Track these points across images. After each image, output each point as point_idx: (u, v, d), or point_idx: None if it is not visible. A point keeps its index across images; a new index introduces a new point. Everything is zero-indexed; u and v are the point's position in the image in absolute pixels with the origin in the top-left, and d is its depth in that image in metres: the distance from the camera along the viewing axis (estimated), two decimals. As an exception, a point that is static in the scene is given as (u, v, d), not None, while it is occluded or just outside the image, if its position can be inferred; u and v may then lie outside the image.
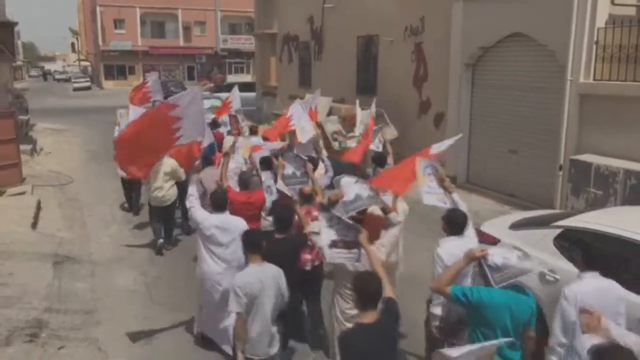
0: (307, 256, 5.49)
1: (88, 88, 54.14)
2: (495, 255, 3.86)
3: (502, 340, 3.47)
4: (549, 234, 5.77)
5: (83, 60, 77.98)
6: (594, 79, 9.46)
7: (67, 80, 68.38)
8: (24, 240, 8.94)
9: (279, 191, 5.83)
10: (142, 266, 8.36)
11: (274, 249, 4.72)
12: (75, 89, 53.05)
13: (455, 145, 12.57)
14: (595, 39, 9.33)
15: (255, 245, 4.46)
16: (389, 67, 15.41)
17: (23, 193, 11.82)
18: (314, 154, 6.79)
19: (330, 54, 19.14)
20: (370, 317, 3.39)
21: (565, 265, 5.45)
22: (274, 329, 4.46)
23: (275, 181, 6.02)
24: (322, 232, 4.52)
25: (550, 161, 10.26)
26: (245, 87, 30.29)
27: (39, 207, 10.91)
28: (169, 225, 8.94)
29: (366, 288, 3.46)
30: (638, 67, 8.88)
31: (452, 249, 4.38)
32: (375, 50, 16.15)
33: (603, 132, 9.25)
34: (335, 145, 12.54)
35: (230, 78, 46.80)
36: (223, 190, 5.94)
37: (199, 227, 5.60)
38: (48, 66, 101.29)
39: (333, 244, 4.48)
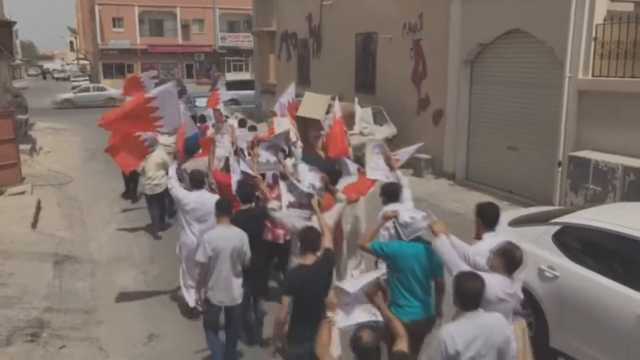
0: (279, 231, 6.20)
1: (87, 89, 54.00)
2: (404, 215, 4.67)
3: (383, 271, 4.52)
4: (547, 231, 5.79)
5: (82, 59, 77.83)
6: (593, 75, 9.47)
7: (66, 79, 68.28)
8: (23, 240, 8.94)
9: (243, 172, 6.52)
10: (143, 265, 8.37)
11: (239, 217, 5.56)
12: (73, 88, 52.95)
13: (454, 143, 12.68)
14: (593, 35, 9.34)
15: (223, 210, 5.35)
16: (388, 64, 15.41)
17: (23, 193, 11.83)
18: (285, 146, 7.35)
19: (328, 52, 19.13)
20: (309, 260, 4.20)
21: (564, 262, 5.47)
22: (236, 281, 5.26)
23: (238, 164, 6.74)
24: (283, 195, 5.69)
25: (549, 157, 10.27)
26: (244, 84, 30.36)
27: (38, 207, 10.91)
28: (162, 210, 9.71)
29: (306, 237, 4.37)
30: (636, 63, 8.89)
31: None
32: (374, 48, 16.14)
33: (602, 128, 9.27)
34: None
35: (229, 76, 46.82)
36: (199, 171, 6.75)
37: (179, 204, 6.46)
38: (47, 65, 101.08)
39: (290, 205, 5.61)
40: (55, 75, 78.68)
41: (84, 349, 5.96)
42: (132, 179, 11.40)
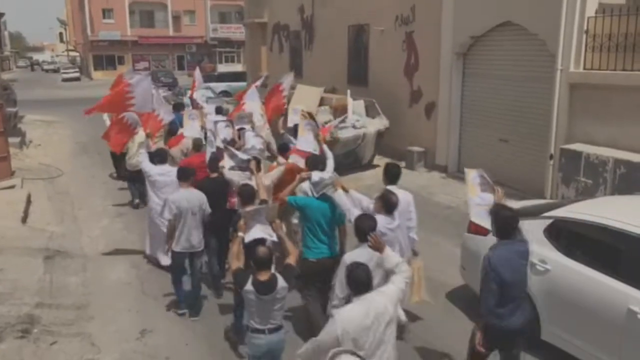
0: (234, 200, 6.86)
1: (77, 79, 53.72)
2: (315, 176, 5.86)
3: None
4: (539, 225, 5.81)
5: (72, 50, 77.19)
6: (584, 68, 9.48)
7: (56, 70, 67.77)
8: (14, 234, 8.88)
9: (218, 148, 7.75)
10: (134, 260, 8.33)
11: (207, 183, 6.86)
12: (64, 80, 52.62)
13: (446, 135, 12.69)
14: (585, 28, 9.33)
15: (184, 176, 6.55)
16: (380, 56, 15.37)
17: (12, 187, 11.73)
18: (247, 126, 9.15)
19: (321, 44, 19.05)
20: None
21: (555, 256, 5.50)
22: (196, 233, 6.39)
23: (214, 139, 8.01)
24: (225, 161, 7.09)
25: (541, 150, 10.30)
26: (235, 76, 30.24)
27: (28, 201, 10.83)
28: (142, 186, 9.62)
29: (243, 191, 5.78)
30: (628, 56, 8.89)
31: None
32: (366, 40, 16.09)
33: (593, 121, 9.30)
34: (327, 136, 12.49)
35: (221, 67, 46.63)
36: (162, 148, 8.46)
37: (146, 175, 7.81)
38: (36, 57, 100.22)
39: (231, 168, 7.01)
40: (45, 67, 78.06)
41: (75, 344, 5.94)
42: (118, 159, 11.93)
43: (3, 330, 5.94)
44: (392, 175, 6.04)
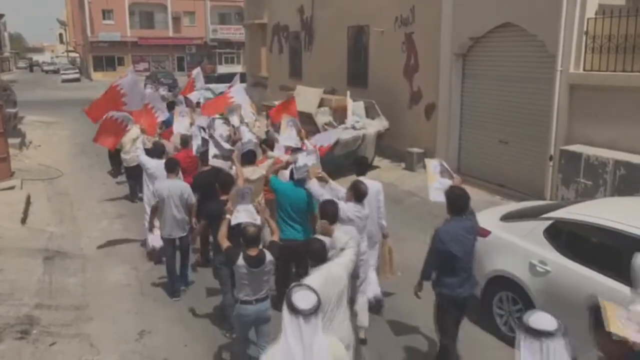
0: None
1: (77, 80, 53.69)
2: (300, 161, 6.31)
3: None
4: (539, 226, 5.81)
5: (71, 51, 77.20)
6: (584, 70, 9.48)
7: (56, 71, 67.73)
8: (13, 235, 8.88)
9: (203, 140, 8.22)
10: (134, 261, 8.33)
11: (200, 176, 7.58)
12: (64, 81, 52.61)
13: (446, 136, 12.68)
14: (585, 29, 9.33)
15: (169, 167, 7.07)
16: (380, 57, 15.37)
17: (12, 187, 11.72)
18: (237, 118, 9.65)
19: (320, 45, 19.05)
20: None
21: (555, 257, 5.49)
22: (181, 219, 6.91)
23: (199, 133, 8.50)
24: (210, 149, 7.74)
25: (541, 151, 10.30)
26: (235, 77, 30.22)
27: (28, 202, 10.83)
28: (139, 181, 9.83)
29: (222, 180, 6.25)
30: (627, 57, 8.89)
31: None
32: (366, 41, 16.09)
33: (593, 123, 9.29)
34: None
35: (221, 69, 46.57)
36: (160, 143, 8.80)
37: (143, 167, 8.18)
38: (36, 57, 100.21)
39: (215, 156, 7.67)
40: (45, 68, 77.98)
41: (74, 345, 5.93)
42: (114, 157, 12.42)
43: (2, 331, 5.94)
44: (361, 167, 6.67)
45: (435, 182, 5.92)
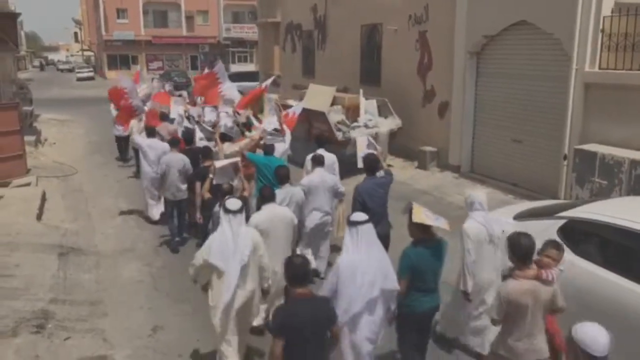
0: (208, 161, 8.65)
1: (91, 78, 54.19)
2: (279, 147, 8.59)
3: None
4: (553, 225, 5.77)
5: (86, 50, 77.84)
6: (600, 68, 9.39)
7: (71, 70, 68.42)
8: (29, 231, 8.97)
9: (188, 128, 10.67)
10: (147, 257, 8.40)
11: (187, 151, 8.99)
12: (78, 79, 53.13)
13: (459, 135, 12.62)
14: (601, 27, 9.24)
15: (172, 144, 8.87)
16: (393, 56, 15.33)
17: (28, 184, 11.86)
18: (229, 110, 11.24)
19: (333, 43, 19.04)
20: (208, 164, 7.02)
21: (569, 256, 5.44)
22: (180, 185, 8.51)
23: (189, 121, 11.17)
24: (197, 133, 10.12)
25: (555, 151, 10.22)
26: (248, 76, 30.30)
27: (43, 199, 10.94)
28: None
29: (204, 152, 8.51)
30: (644, 55, 8.79)
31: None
32: (379, 39, 16.06)
33: (608, 122, 9.20)
34: (339, 135, 12.49)
35: (234, 67, 46.71)
36: (152, 127, 10.25)
37: (139, 147, 9.79)
38: (52, 56, 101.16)
39: (201, 139, 9.79)
40: (60, 67, 78.72)
41: (88, 340, 5.99)
42: (122, 143, 14.40)
43: (18, 325, 6.01)
44: (320, 141, 8.43)
45: (361, 152, 8.13)
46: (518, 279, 4.09)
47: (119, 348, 5.87)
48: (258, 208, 6.01)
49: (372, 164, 6.75)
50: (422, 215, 4.59)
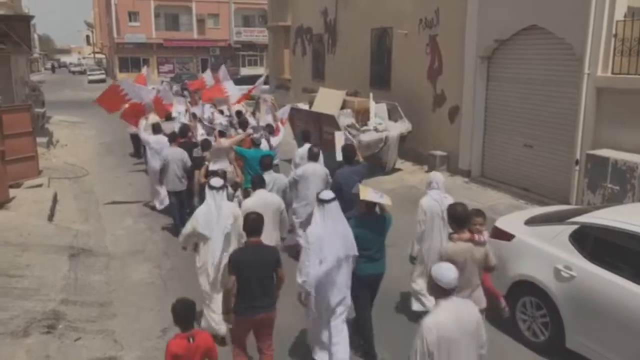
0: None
1: (103, 80, 54.52)
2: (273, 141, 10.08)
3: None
4: (564, 230, 5.73)
5: (98, 52, 78.43)
6: (612, 73, 9.33)
7: (82, 72, 68.95)
8: (40, 232, 9.04)
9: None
10: (157, 259, 8.43)
11: (182, 144, 9.67)
12: (90, 81, 53.51)
13: (470, 139, 12.56)
14: (613, 32, 9.19)
15: (171, 139, 9.67)
16: (403, 60, 15.32)
17: (40, 185, 11.94)
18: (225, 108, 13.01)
19: (343, 47, 19.06)
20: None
21: (581, 262, 5.41)
22: (180, 176, 9.20)
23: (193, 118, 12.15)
24: (198, 129, 11.22)
25: (566, 156, 10.15)
26: (258, 80, 30.40)
27: (55, 200, 11.02)
28: None
29: (203, 144, 9.43)
30: (657, 60, 8.72)
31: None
32: (389, 43, 16.05)
33: (621, 127, 9.13)
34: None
35: (244, 71, 46.82)
36: (158, 123, 11.15)
37: (146, 143, 10.80)
38: (64, 59, 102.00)
39: (202, 135, 10.75)
40: (72, 69, 79.35)
41: (99, 341, 6.02)
42: (136, 140, 14.72)
43: (29, 325, 6.04)
44: (306, 137, 9.74)
45: (339, 145, 9.01)
46: (455, 240, 4.83)
47: (128, 349, 5.89)
48: (245, 196, 7.01)
49: (348, 153, 7.74)
50: (367, 194, 5.38)
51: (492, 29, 11.76)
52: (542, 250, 5.82)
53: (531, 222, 6.35)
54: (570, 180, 9.99)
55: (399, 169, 13.73)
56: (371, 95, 14.27)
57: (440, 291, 3.67)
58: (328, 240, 5.07)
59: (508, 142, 11.81)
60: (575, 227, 5.68)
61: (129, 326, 6.36)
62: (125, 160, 15.68)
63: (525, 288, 5.92)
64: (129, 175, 13.82)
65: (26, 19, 18.63)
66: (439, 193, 6.21)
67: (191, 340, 3.97)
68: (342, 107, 13.70)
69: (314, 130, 12.60)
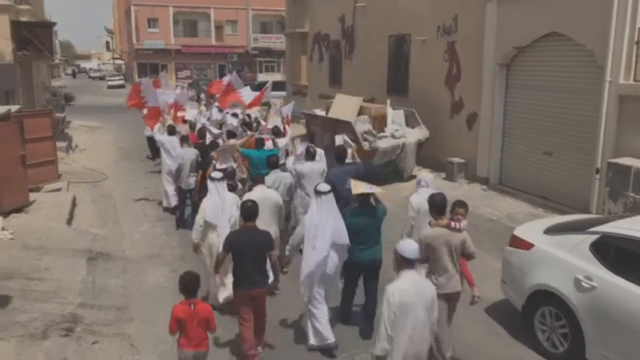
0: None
1: (122, 86, 55.16)
2: (280, 142, 10.52)
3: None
4: (585, 240, 5.64)
5: (117, 58, 79.38)
6: (634, 80, 9.20)
7: (102, 78, 69.82)
8: (59, 236, 9.13)
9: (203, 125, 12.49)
10: (174, 263, 8.46)
11: (196, 146, 10.41)
12: (109, 87, 54.20)
13: (488, 147, 12.45)
14: (635, 39, 9.07)
15: (183, 141, 10.33)
16: (421, 66, 15.27)
17: (59, 189, 12.09)
18: (239, 111, 13.70)
19: (361, 53, 19.06)
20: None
21: (602, 273, 5.31)
22: (191, 176, 9.82)
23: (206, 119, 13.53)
24: (208, 133, 11.63)
25: (587, 164, 10.01)
26: (275, 86, 30.53)
27: (74, 204, 11.14)
28: None
29: (212, 144, 10.50)
30: (681, 68, 8.58)
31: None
32: (407, 50, 16.02)
33: (643, 135, 8.99)
34: (366, 145, 12.46)
35: (261, 77, 47.03)
36: (172, 125, 11.71)
37: (161, 144, 11.36)
38: (84, 64, 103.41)
39: (209, 138, 11.40)
40: (92, 75, 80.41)
41: (115, 344, 6.05)
42: (152, 142, 14.76)
43: (48, 328, 6.10)
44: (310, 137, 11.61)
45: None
46: (434, 227, 5.45)
47: (144, 353, 5.92)
48: (249, 190, 7.49)
49: (340, 154, 8.55)
50: (359, 188, 6.01)
51: (511, 36, 11.67)
52: (562, 259, 5.74)
53: (551, 231, 6.26)
54: (591, 188, 9.85)
55: (415, 176, 13.64)
56: (388, 101, 14.24)
57: (403, 262, 4.26)
58: (321, 228, 5.70)
59: (527, 149, 11.69)
60: (596, 236, 5.59)
61: (145, 330, 6.38)
62: (141, 164, 15.81)
63: (544, 298, 5.84)
64: (145, 179, 13.92)
65: (49, 26, 18.97)
66: (428, 191, 6.60)
67: (192, 306, 4.77)
68: (359, 114, 13.68)
69: (330, 136, 12.61)
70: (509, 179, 12.29)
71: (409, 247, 4.30)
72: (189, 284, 4.84)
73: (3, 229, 8.96)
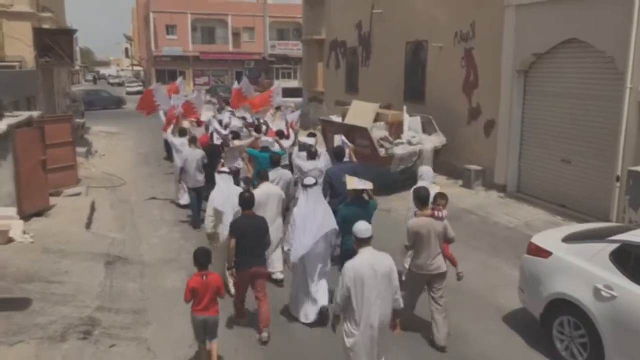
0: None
1: (140, 92, 55.51)
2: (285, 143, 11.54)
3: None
4: (605, 248, 5.57)
5: (136, 65, 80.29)
6: (655, 87, 9.07)
7: (121, 84, 70.65)
8: (78, 240, 9.25)
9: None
10: (190, 267, 8.33)
11: (205, 147, 11.11)
12: (128, 93, 54.82)
13: (505, 154, 12.36)
14: (656, 45, 8.95)
15: (191, 142, 10.89)
16: (438, 73, 15.22)
17: (78, 194, 12.26)
18: (247, 115, 14.96)
19: (377, 60, 19.06)
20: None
21: (622, 282, 5.24)
22: (199, 175, 10.56)
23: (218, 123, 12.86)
24: (214, 135, 11.74)
25: (606, 172, 9.89)
26: (291, 92, 30.65)
27: (92, 208, 11.28)
28: None
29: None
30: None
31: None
32: (424, 56, 15.98)
33: (664, 142, 8.85)
34: (382, 151, 12.44)
35: (278, 84, 47.22)
36: (184, 128, 12.68)
37: (173, 145, 11.91)
38: (103, 71, 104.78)
39: (217, 139, 11.72)
40: (110, 81, 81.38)
41: (132, 348, 6.10)
42: (169, 146, 14.95)
43: (66, 331, 6.17)
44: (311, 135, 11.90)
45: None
46: (419, 216, 6.16)
47: (161, 357, 5.96)
48: (255, 187, 7.94)
49: (338, 153, 9.20)
50: (353, 183, 6.76)
51: (529, 42, 11.59)
52: (581, 268, 5.67)
53: (569, 239, 6.19)
54: (611, 196, 9.71)
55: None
56: (405, 108, 14.22)
57: (358, 241, 4.84)
58: (310, 218, 6.41)
59: (545, 157, 11.58)
60: (616, 245, 5.52)
61: (162, 334, 6.43)
62: (159, 169, 15.96)
63: (563, 307, 5.77)
64: (161, 184, 14.05)
65: (69, 33, 19.25)
66: (427, 183, 7.41)
67: (205, 277, 5.48)
68: (376, 120, 13.67)
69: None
70: (527, 186, 12.17)
71: (362, 227, 4.82)
72: (200, 258, 5.56)
73: (24, 232, 9.10)
